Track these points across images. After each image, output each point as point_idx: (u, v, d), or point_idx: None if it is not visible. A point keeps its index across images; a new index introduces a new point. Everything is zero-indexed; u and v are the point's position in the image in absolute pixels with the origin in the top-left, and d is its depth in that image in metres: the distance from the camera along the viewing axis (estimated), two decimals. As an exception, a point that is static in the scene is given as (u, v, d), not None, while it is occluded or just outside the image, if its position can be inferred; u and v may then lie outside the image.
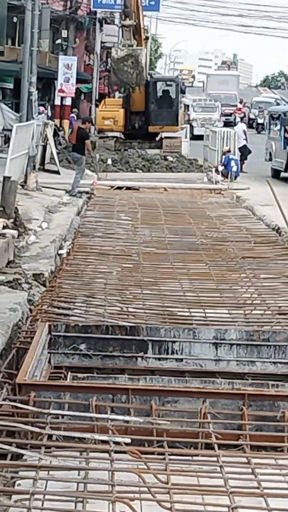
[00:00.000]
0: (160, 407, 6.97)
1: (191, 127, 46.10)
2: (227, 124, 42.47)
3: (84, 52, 49.32)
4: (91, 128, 31.93)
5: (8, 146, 19.19)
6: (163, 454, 6.21)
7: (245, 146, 32.16)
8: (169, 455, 6.18)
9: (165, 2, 49.56)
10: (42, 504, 5.29)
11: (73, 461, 6.00)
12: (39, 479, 5.62)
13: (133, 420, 6.70)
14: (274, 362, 8.92)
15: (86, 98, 46.13)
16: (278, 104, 56.81)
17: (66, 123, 38.53)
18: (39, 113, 31.76)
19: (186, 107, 51.14)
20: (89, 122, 26.53)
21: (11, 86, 41.12)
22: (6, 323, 8.72)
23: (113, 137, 36.09)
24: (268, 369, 8.87)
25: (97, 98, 42.01)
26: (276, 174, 31.07)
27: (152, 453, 6.24)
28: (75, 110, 41.15)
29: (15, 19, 33.66)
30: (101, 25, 45.05)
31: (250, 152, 32.91)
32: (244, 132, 34.18)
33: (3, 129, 24.09)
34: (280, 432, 6.70)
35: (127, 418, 6.73)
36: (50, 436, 6.28)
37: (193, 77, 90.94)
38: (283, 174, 29.97)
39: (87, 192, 23.28)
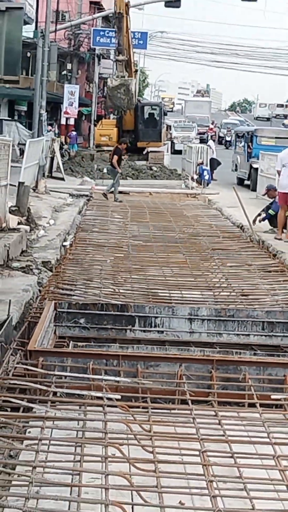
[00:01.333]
0: (145, 370, 7.01)
1: (173, 143, 46.06)
2: (202, 141, 42.42)
3: (85, 81, 49.15)
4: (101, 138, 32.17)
5: (22, 157, 19.11)
6: (146, 408, 6.26)
7: (214, 158, 32.15)
8: (151, 409, 6.24)
9: (151, 41, 49.30)
10: (48, 448, 5.32)
11: (74, 413, 6.05)
12: (45, 428, 5.65)
13: (123, 380, 6.74)
14: (237, 334, 8.94)
15: (86, 119, 45.92)
16: (242, 125, 56.67)
17: (69, 140, 38.39)
18: (48, 131, 31.64)
19: (169, 127, 51.02)
20: (124, 143, 26.37)
21: (25, 108, 41.23)
22: (19, 301, 8.72)
23: (109, 151, 35.94)
24: (232, 340, 8.88)
25: (95, 119, 41.85)
26: (240, 181, 31.14)
27: (138, 407, 6.30)
28: (73, 129, 40.94)
29: (28, 54, 33.52)
30: (99, 60, 44.86)
31: (219, 163, 32.85)
32: (212, 147, 34.17)
33: (19, 144, 24.04)
34: (242, 390, 6.75)
35: (117, 378, 6.77)
36: (55, 393, 6.30)
37: (173, 103, 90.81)
38: (246, 182, 30.00)
39: (86, 196, 23.20)
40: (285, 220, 15.88)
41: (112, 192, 22.96)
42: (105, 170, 31.87)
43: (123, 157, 24.30)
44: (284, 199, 15.99)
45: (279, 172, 16.96)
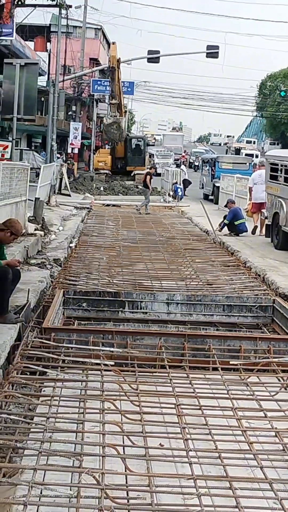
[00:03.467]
0: (133, 342, 7.04)
1: (155, 167, 46.07)
2: (177, 165, 42.45)
3: (86, 119, 48.94)
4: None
5: (38, 179, 19.06)
6: (134, 371, 6.28)
7: (186, 179, 32.15)
8: (138, 372, 6.26)
9: (137, 88, 49.11)
10: (58, 403, 5.32)
11: (78, 376, 6.05)
12: (56, 387, 5.67)
13: (116, 350, 6.75)
14: (204, 314, 8.95)
15: (87, 149, 45.68)
16: (207, 153, 56.76)
17: (75, 165, 38.18)
18: (58, 158, 31.55)
19: (151, 155, 51.03)
20: (153, 168, 26.34)
21: (39, 141, 41.14)
22: (36, 290, 8.70)
23: (104, 173, 35.97)
24: (200, 319, 8.89)
25: (94, 148, 41.69)
26: (206, 197, 31.10)
27: (127, 371, 6.31)
28: (65, 156, 40.37)
29: (42, 99, 33.33)
30: (97, 103, 44.68)
31: (190, 183, 32.83)
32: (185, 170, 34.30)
33: (35, 168, 23.95)
34: (207, 358, 6.78)
35: (112, 349, 6.78)
36: (63, 361, 6.31)
37: (154, 138, 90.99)
38: (210, 197, 29.98)
39: (87, 208, 23.17)
40: (259, 220, 16.97)
41: (142, 207, 22.85)
42: (101, 188, 31.95)
43: (149, 178, 24.22)
44: (257, 207, 17.38)
45: (250, 188, 17.66)
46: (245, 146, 68.91)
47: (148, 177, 23.85)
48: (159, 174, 36.42)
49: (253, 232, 16.95)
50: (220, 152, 58.51)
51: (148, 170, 25.93)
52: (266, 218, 16.18)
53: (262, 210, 16.75)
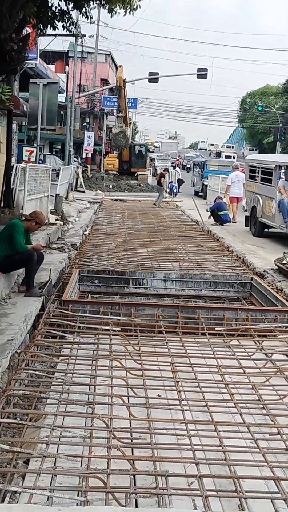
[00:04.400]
0: (136, 312, 7.02)
1: (156, 169, 45.73)
2: (174, 168, 42.13)
3: (97, 129, 48.43)
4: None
5: (58, 178, 18.98)
6: (137, 336, 6.26)
7: (180, 179, 31.97)
8: (140, 336, 6.24)
9: (140, 104, 48.81)
10: (75, 362, 5.31)
11: (91, 339, 6.03)
12: (73, 349, 5.66)
13: (122, 318, 6.75)
14: (194, 289, 8.96)
15: (98, 153, 45.20)
16: (197, 157, 56.38)
17: (89, 167, 37.86)
18: (74, 161, 31.33)
19: (152, 159, 50.69)
20: (166, 170, 26.21)
21: (59, 147, 40.89)
22: (57, 269, 8.70)
23: (113, 174, 35.74)
24: (191, 293, 8.90)
25: (104, 153, 41.33)
26: (196, 193, 30.90)
27: (131, 336, 6.29)
28: (80, 159, 40.10)
29: (61, 112, 33.04)
30: (106, 116, 44.12)
31: (183, 182, 32.66)
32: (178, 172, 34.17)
33: (55, 169, 23.79)
34: (197, 325, 6.76)
35: (118, 318, 6.78)
36: (79, 327, 6.28)
37: (154, 145, 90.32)
38: (200, 194, 29.83)
39: (99, 202, 23.08)
40: (236, 210, 17.68)
41: (157, 201, 22.80)
42: (110, 186, 31.76)
43: (163, 178, 24.17)
44: (233, 200, 17.86)
45: (228, 186, 17.86)
46: (224, 150, 68.66)
47: (162, 178, 23.84)
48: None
49: (233, 220, 17.14)
50: (206, 156, 58.19)
51: (161, 171, 25.77)
52: (245, 210, 16.22)
53: (239, 202, 17.73)
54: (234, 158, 51.44)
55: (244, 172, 17.65)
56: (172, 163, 52.66)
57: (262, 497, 3.35)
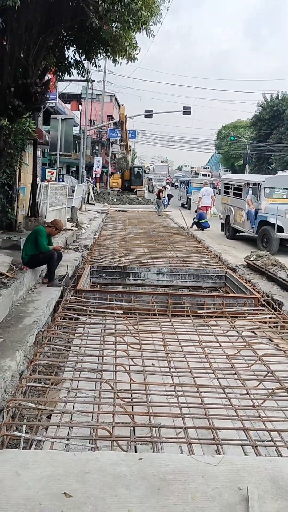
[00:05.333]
0: (135, 299, 6.99)
1: (153, 187, 45.55)
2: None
3: (104, 155, 48.29)
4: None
5: (74, 193, 18.92)
6: (136, 318, 6.20)
7: (169, 194, 31.93)
8: (138, 318, 6.18)
9: (138, 135, 48.76)
10: (87, 338, 5.28)
11: (99, 320, 6.00)
12: (85, 328, 5.63)
13: (124, 304, 6.70)
14: (181, 281, 8.90)
15: (105, 174, 45.09)
16: (183, 177, 56.15)
17: (97, 184, 37.70)
18: (86, 180, 31.23)
19: (150, 179, 50.57)
20: (164, 187, 26.12)
21: (74, 169, 40.56)
22: (73, 265, 8.66)
23: (117, 190, 35.68)
24: (178, 284, 8.82)
25: (110, 174, 41.21)
26: (182, 205, 30.84)
27: (131, 317, 6.23)
28: (91, 178, 39.91)
29: (76, 141, 32.98)
30: (111, 144, 44.01)
31: (172, 196, 32.61)
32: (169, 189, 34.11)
33: (72, 186, 23.62)
34: (183, 309, 6.74)
35: (121, 303, 6.74)
36: (90, 310, 6.25)
37: (149, 168, 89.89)
38: (185, 205, 29.79)
39: (106, 212, 23.00)
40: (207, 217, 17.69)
41: (158, 212, 22.84)
42: (115, 200, 31.66)
43: (161, 194, 24.16)
44: (204, 209, 18.05)
45: (200, 198, 18.02)
46: (201, 170, 68.73)
47: (161, 193, 23.96)
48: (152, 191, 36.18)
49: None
50: (189, 176, 58.20)
51: (160, 188, 25.98)
52: (221, 218, 16.29)
53: (208, 210, 18.33)
54: (209, 175, 51.90)
55: (216, 187, 17.92)
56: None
57: (234, 443, 3.37)
